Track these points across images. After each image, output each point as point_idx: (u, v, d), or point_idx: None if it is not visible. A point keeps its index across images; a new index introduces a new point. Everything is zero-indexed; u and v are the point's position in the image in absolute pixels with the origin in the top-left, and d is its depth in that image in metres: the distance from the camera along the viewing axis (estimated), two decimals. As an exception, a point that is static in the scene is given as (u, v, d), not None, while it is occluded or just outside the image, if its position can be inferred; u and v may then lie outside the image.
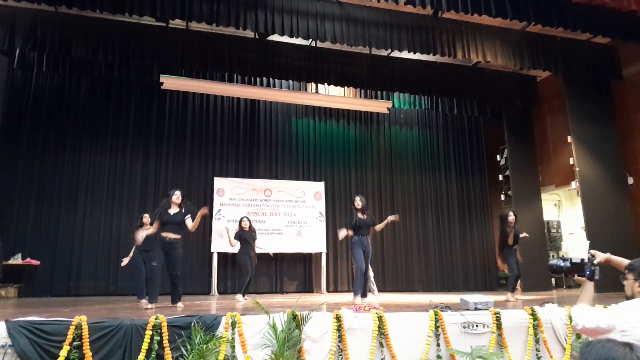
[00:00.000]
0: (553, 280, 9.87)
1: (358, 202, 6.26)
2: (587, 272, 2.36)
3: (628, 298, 2.24)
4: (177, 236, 5.52)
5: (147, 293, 5.60)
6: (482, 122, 11.56)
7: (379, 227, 6.48)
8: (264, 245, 8.10)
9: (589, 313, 2.16)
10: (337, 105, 10.19)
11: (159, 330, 3.52)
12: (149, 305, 5.24)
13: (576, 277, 2.42)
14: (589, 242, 2.59)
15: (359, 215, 6.19)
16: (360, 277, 6.08)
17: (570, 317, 4.19)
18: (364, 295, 6.15)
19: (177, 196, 5.60)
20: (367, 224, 6.23)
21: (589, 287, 2.37)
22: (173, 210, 5.56)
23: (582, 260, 2.39)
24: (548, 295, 6.94)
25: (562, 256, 2.51)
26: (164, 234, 5.47)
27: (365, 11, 7.58)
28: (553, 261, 2.54)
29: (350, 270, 9.85)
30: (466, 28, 7.98)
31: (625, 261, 2.41)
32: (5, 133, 8.47)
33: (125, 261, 6.92)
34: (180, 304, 5.38)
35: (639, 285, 2.19)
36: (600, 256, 2.43)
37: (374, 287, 7.92)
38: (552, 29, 7.85)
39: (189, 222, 5.57)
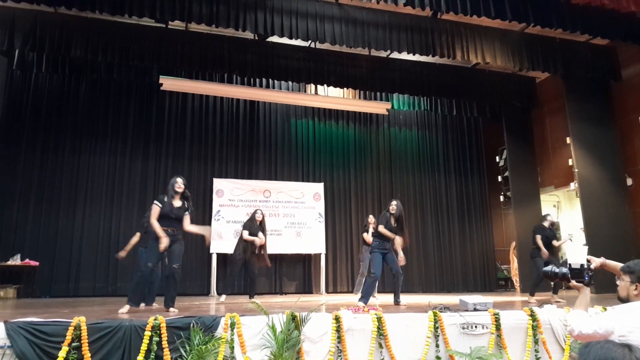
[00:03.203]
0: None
1: (394, 207, 6.08)
2: (586, 277, 2.36)
3: (621, 299, 2.21)
4: (177, 229, 5.03)
5: (131, 296, 4.88)
6: (481, 123, 11.57)
7: (397, 244, 6.25)
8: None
9: (585, 318, 2.14)
10: (336, 106, 10.19)
11: (158, 331, 3.52)
12: (129, 309, 4.71)
13: (573, 283, 2.41)
14: (587, 247, 2.60)
15: (392, 221, 6.04)
16: (372, 283, 5.94)
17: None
18: (365, 302, 5.94)
19: (179, 184, 5.03)
20: (395, 232, 6.06)
21: (586, 292, 2.36)
22: (176, 202, 5.00)
23: (582, 265, 2.39)
24: (548, 296, 6.94)
25: (564, 259, 2.51)
26: (164, 228, 4.90)
27: (364, 12, 7.59)
28: (547, 267, 2.53)
29: (349, 271, 9.86)
30: (465, 29, 7.99)
31: (620, 265, 2.40)
32: (4, 134, 8.46)
33: (122, 254, 6.40)
34: (173, 309, 4.90)
35: (636, 288, 2.15)
36: (595, 261, 2.43)
37: (375, 291, 7.73)
38: (551, 30, 7.86)
39: (187, 220, 5.07)
